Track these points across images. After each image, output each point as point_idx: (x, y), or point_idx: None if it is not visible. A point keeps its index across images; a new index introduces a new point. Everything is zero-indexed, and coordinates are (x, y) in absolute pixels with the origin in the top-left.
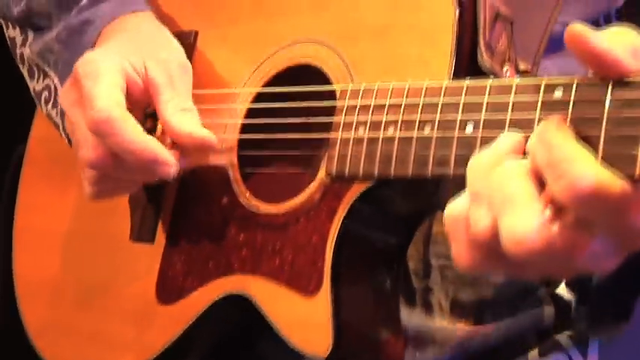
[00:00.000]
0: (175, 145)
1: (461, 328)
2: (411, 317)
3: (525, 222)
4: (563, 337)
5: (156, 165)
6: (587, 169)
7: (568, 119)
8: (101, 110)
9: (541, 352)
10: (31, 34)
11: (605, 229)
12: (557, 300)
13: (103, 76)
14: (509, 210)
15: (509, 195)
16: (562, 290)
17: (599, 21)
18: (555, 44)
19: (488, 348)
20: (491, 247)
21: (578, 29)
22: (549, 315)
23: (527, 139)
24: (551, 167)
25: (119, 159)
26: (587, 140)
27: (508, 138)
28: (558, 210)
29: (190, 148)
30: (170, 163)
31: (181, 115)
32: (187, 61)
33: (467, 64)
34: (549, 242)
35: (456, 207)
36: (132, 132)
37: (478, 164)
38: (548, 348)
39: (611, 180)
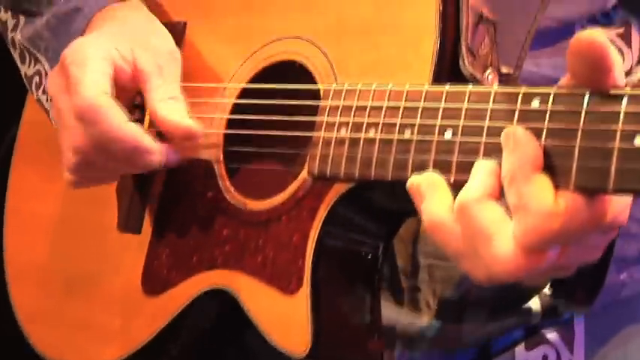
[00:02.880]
0: (162, 136)
1: (448, 326)
2: (399, 316)
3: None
4: (550, 333)
5: (139, 153)
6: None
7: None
8: (86, 98)
9: (527, 345)
10: (22, 19)
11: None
12: (543, 296)
13: (89, 64)
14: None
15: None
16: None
17: (596, 17)
18: (548, 39)
19: (475, 345)
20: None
21: (601, 39)
22: (536, 310)
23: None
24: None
25: (103, 147)
26: (563, 151)
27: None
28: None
29: (176, 137)
30: (154, 151)
31: (168, 103)
32: (176, 49)
33: (448, 68)
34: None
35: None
36: (117, 120)
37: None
38: (535, 342)
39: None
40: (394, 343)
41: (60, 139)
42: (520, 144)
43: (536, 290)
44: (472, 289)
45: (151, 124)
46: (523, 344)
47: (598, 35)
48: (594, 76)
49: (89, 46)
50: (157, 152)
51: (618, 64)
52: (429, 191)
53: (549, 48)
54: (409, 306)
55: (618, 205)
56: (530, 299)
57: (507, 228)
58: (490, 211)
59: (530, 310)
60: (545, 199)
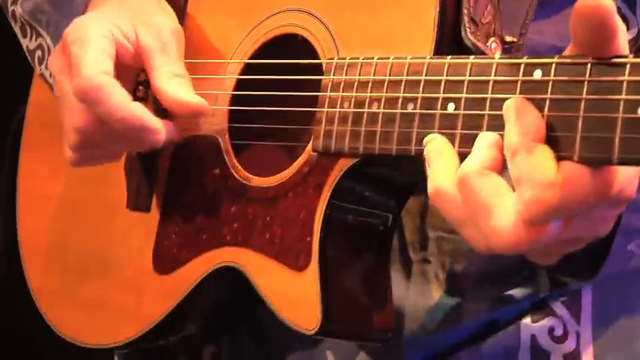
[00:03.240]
0: (167, 114)
1: (456, 302)
2: (408, 294)
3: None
4: (557, 304)
5: (144, 132)
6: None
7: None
8: (88, 77)
9: (533, 317)
10: None
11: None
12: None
13: (90, 43)
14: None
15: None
16: None
17: None
18: (552, 9)
19: (483, 321)
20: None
21: (606, 2)
22: (544, 284)
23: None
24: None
25: (106, 126)
26: (567, 121)
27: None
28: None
29: (182, 115)
30: (158, 130)
31: (174, 81)
32: (179, 26)
33: (450, 38)
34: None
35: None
36: (119, 99)
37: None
38: (541, 314)
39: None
40: (402, 324)
41: (62, 118)
42: (521, 116)
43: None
44: (480, 262)
45: (155, 101)
46: (530, 317)
47: None
48: (598, 41)
49: (90, 24)
50: (162, 131)
51: (622, 31)
52: (434, 158)
53: (553, 17)
54: (418, 279)
55: (625, 177)
56: (536, 271)
57: (508, 200)
58: (490, 184)
59: (537, 284)
60: (546, 170)
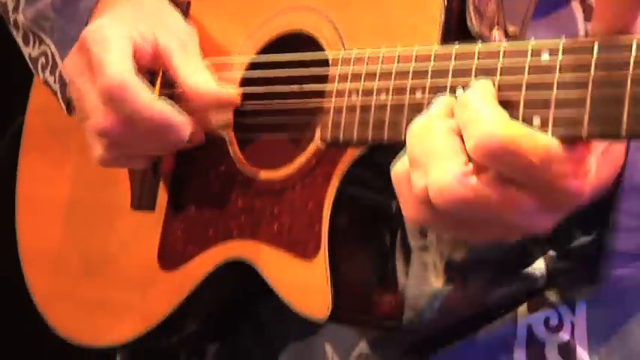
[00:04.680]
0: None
1: (453, 290)
2: (407, 282)
3: (446, 172)
4: (552, 294)
5: (170, 129)
6: (494, 128)
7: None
8: (114, 76)
9: (529, 308)
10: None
11: (530, 186)
12: (548, 259)
13: (111, 43)
14: (433, 164)
15: (434, 150)
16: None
17: None
18: (548, 6)
19: (479, 309)
20: (430, 204)
21: None
22: (541, 273)
23: None
24: (464, 125)
25: (132, 126)
26: (575, 101)
27: (440, 101)
28: (480, 165)
29: (213, 106)
30: (185, 127)
31: (201, 75)
32: (192, 26)
33: (456, 30)
34: (471, 191)
35: (399, 166)
36: (146, 97)
37: (413, 128)
38: (537, 304)
39: (524, 138)
40: (402, 312)
41: (83, 122)
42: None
43: (538, 248)
44: (479, 250)
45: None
46: (525, 306)
47: None
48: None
49: (109, 26)
50: (187, 127)
51: None
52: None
53: (544, 19)
54: (417, 266)
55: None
56: (533, 260)
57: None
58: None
59: (534, 274)
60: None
